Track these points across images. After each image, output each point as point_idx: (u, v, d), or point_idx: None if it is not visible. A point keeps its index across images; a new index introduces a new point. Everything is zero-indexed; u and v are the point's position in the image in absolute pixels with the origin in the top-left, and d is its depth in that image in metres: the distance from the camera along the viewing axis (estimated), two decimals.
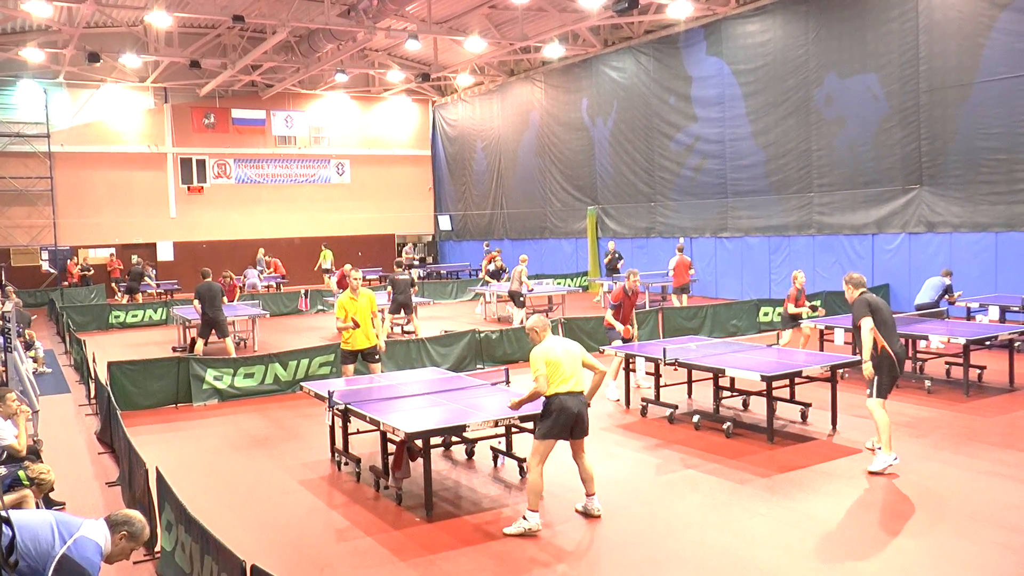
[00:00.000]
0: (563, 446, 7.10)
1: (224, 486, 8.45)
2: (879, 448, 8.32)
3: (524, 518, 6.73)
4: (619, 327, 11.82)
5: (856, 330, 8.27)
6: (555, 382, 6.80)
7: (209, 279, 15.82)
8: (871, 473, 7.89)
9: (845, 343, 12.73)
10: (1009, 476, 7.72)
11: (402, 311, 17.34)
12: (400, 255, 36.66)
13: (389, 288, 17.46)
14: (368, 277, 31.65)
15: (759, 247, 23.32)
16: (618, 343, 11.76)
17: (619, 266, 23.44)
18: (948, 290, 14.56)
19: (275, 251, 34.67)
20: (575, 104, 29.88)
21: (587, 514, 7.06)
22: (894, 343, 8.08)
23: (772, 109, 22.33)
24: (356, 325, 10.52)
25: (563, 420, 6.78)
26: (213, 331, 15.46)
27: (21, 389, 10.03)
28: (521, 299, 18.70)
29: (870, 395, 8.04)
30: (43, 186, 31.41)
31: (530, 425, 7.69)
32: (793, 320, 13.38)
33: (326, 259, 31.79)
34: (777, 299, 18.92)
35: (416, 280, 18.07)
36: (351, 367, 10.86)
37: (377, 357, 10.89)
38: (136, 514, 4.49)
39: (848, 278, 8.50)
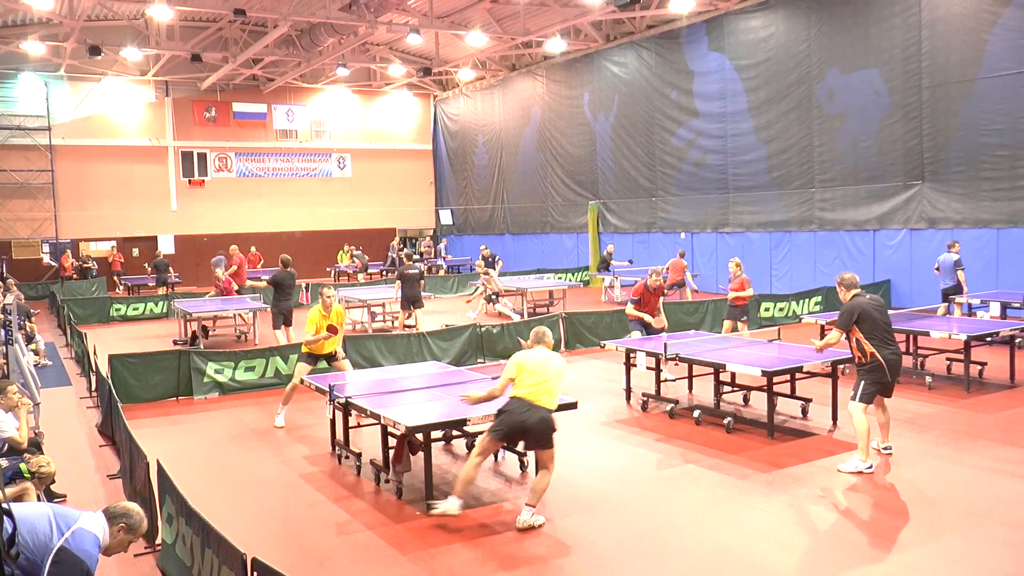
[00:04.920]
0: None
1: (225, 479, 8.46)
2: (885, 448, 8.32)
3: (447, 498, 6.83)
4: (647, 317, 12.09)
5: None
6: (518, 386, 6.80)
7: (290, 267, 15.61)
8: (839, 471, 7.86)
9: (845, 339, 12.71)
10: (1010, 472, 7.71)
11: (411, 306, 16.89)
12: (411, 246, 36.63)
13: (398, 282, 17.21)
14: (370, 272, 31.71)
15: (760, 243, 23.30)
16: (636, 334, 11.97)
17: (609, 265, 24.59)
18: (958, 264, 15.28)
19: (275, 245, 34.72)
20: (576, 99, 29.83)
21: (526, 524, 6.68)
22: (885, 349, 7.82)
23: (774, 104, 22.29)
24: (334, 331, 10.50)
25: (506, 426, 6.73)
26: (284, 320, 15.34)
27: (22, 382, 10.03)
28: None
29: (853, 398, 7.89)
30: (44, 179, 31.41)
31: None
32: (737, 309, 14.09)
33: (343, 259, 32.23)
34: (778, 295, 18.93)
35: (424, 273, 17.93)
36: (309, 368, 10.51)
37: (342, 356, 10.84)
38: (134, 506, 4.49)
39: (840, 279, 8.33)
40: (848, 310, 7.98)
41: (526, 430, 6.72)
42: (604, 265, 24.56)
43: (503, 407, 6.81)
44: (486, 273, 20.45)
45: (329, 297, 10.59)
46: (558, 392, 6.95)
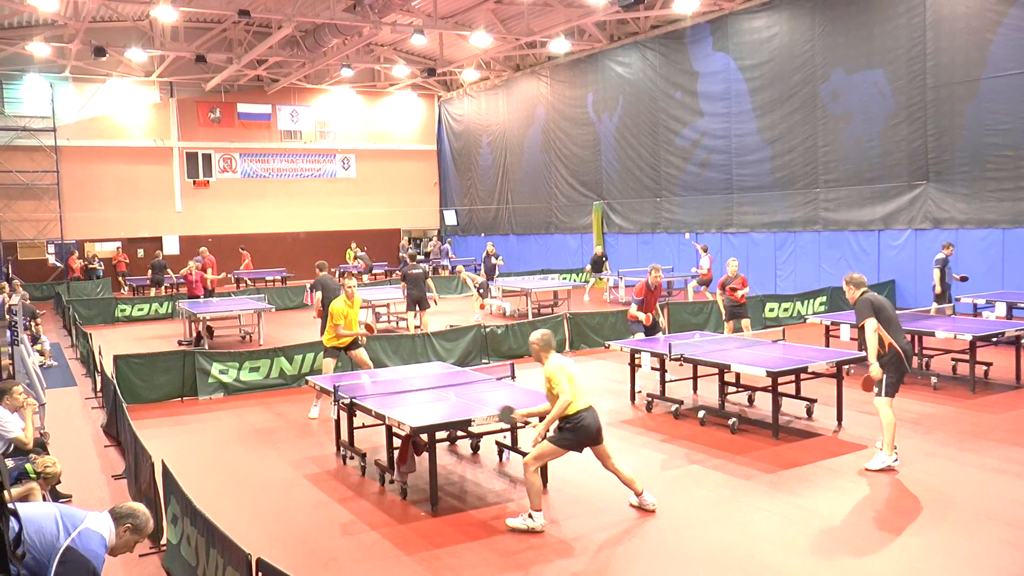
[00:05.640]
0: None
1: (230, 479, 8.47)
2: (880, 447, 8.30)
3: (530, 516, 6.71)
4: (642, 316, 12.14)
5: (860, 329, 8.22)
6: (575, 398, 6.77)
7: (326, 272, 14.50)
8: (867, 470, 7.87)
9: (851, 339, 12.70)
10: (1015, 473, 7.69)
11: (416, 307, 16.76)
12: (416, 246, 36.60)
13: (403, 283, 17.12)
14: (375, 272, 31.75)
15: (764, 243, 23.27)
16: (640, 335, 11.96)
17: (605, 267, 24.99)
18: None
19: (280, 245, 34.78)
20: (581, 99, 29.82)
21: (642, 509, 7.07)
22: (901, 338, 7.98)
23: (778, 105, 22.26)
24: (371, 331, 11.41)
25: (582, 436, 6.77)
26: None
27: (28, 382, 10.05)
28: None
29: (878, 394, 7.94)
30: (49, 180, 31.49)
31: (535, 420, 7.68)
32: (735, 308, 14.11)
33: (351, 258, 32.08)
34: (783, 295, 18.90)
35: (429, 273, 17.76)
36: (334, 362, 11.01)
37: (361, 344, 11.20)
38: (140, 507, 4.50)
39: (848, 278, 8.38)
40: (865, 301, 8.04)
41: (597, 435, 6.87)
42: (598, 267, 24.90)
43: (573, 421, 6.71)
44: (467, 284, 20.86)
45: (351, 288, 10.90)
46: None
